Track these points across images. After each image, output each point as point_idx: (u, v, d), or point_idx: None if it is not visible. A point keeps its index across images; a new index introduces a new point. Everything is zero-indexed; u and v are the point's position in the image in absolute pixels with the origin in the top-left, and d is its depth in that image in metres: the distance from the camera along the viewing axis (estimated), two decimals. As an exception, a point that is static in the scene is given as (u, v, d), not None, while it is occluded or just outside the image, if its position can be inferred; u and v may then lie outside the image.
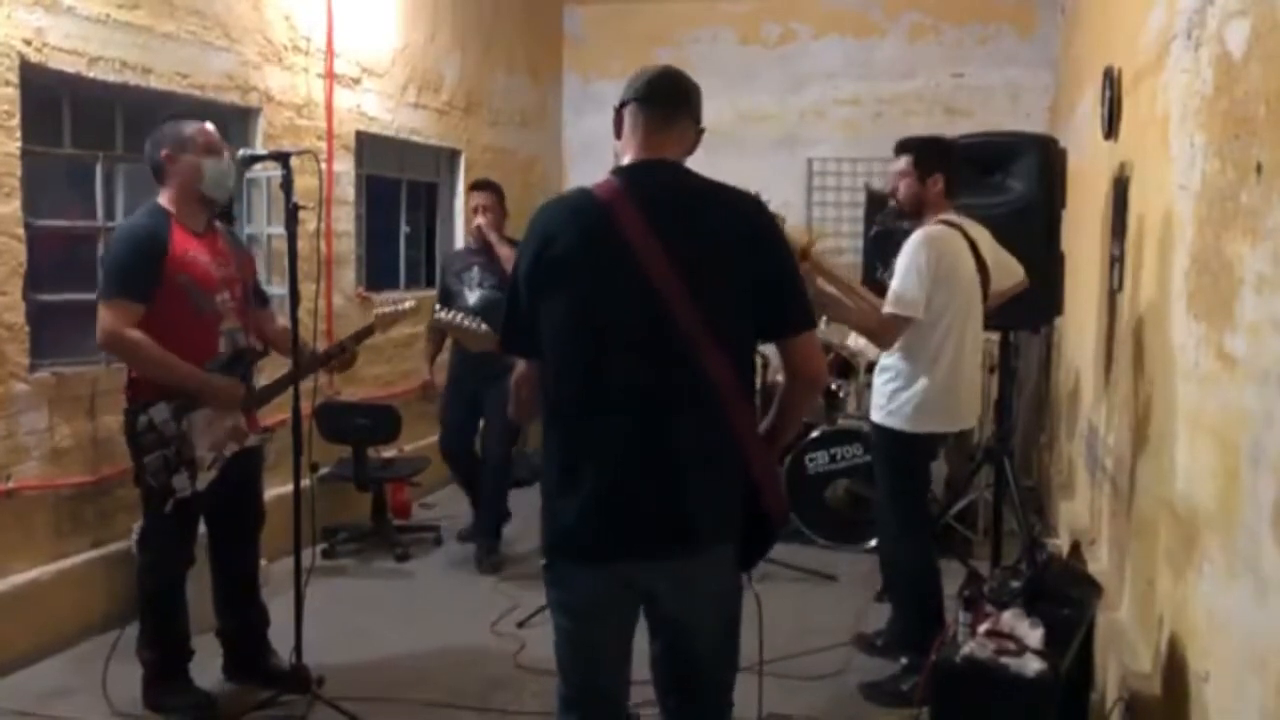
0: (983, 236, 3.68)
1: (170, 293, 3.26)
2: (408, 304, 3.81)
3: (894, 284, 3.51)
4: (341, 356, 3.63)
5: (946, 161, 3.67)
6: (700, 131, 2.32)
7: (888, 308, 3.53)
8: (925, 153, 3.67)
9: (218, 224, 3.55)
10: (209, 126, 3.41)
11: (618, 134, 2.29)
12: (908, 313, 3.47)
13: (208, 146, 3.35)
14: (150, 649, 3.43)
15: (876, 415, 3.71)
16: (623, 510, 2.13)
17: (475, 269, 5.12)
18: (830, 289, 3.79)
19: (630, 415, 2.12)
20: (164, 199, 3.36)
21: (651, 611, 2.26)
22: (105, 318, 3.23)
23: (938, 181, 3.62)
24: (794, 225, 3.54)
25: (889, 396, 3.64)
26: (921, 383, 3.56)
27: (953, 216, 3.65)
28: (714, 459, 2.14)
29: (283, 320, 3.69)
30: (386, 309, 3.75)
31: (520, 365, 2.33)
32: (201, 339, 3.34)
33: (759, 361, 2.38)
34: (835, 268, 3.99)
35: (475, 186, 5.31)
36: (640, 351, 2.12)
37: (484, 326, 3.46)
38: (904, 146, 3.72)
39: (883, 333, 3.57)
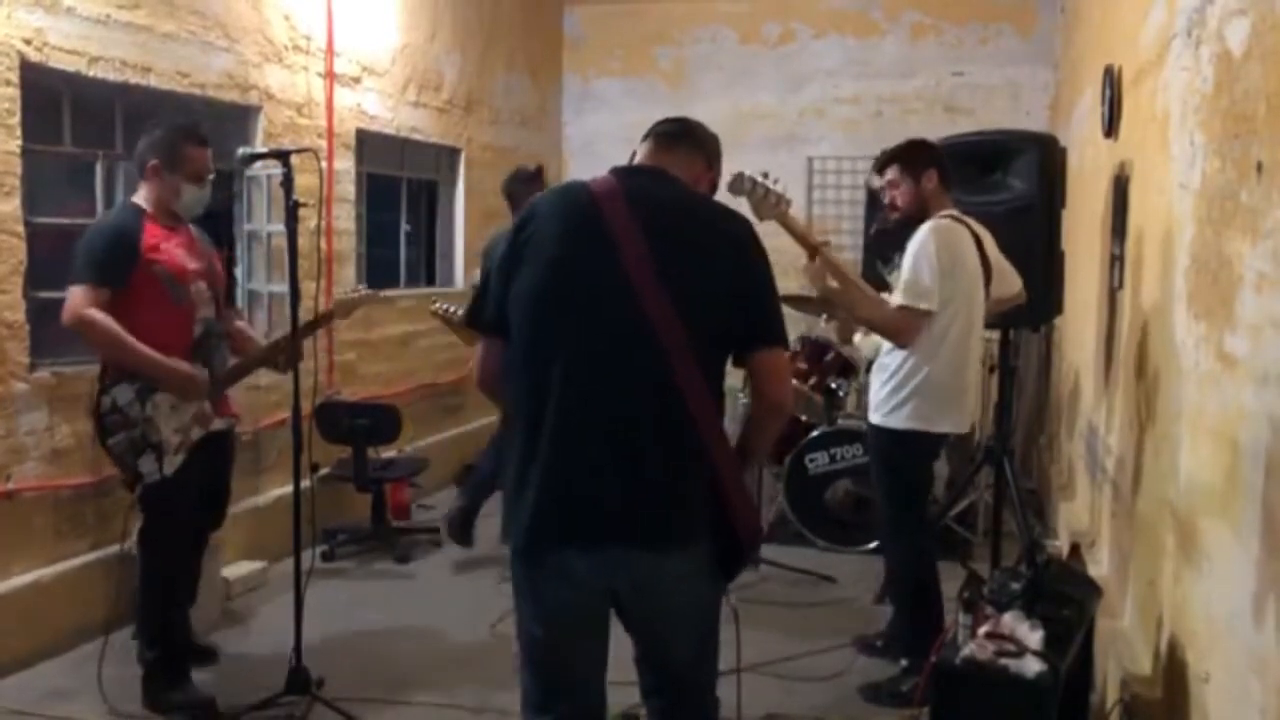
0: (987, 236, 3.64)
1: (146, 282, 3.32)
2: (365, 291, 4.06)
3: (904, 277, 3.42)
4: (292, 346, 3.43)
5: (934, 155, 3.62)
6: (714, 178, 2.39)
7: (901, 299, 3.43)
8: (910, 154, 3.61)
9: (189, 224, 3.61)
10: (206, 152, 3.44)
11: None
12: (922, 304, 3.38)
13: (195, 175, 3.42)
14: (150, 649, 3.44)
15: (874, 417, 3.63)
16: (575, 495, 2.09)
17: None
18: (834, 284, 3.62)
19: (592, 405, 2.08)
20: (140, 197, 3.44)
21: (622, 617, 2.22)
22: (71, 298, 3.28)
23: (931, 177, 3.56)
24: (795, 214, 3.44)
25: (887, 395, 3.55)
26: (920, 379, 3.47)
27: (957, 213, 3.60)
28: (675, 457, 2.09)
29: (239, 322, 3.83)
30: (346, 296, 3.95)
31: (481, 346, 2.30)
32: (179, 327, 3.41)
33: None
34: (844, 265, 3.72)
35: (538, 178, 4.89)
36: (606, 343, 2.10)
37: None
38: (886, 159, 3.66)
39: (900, 330, 3.46)
